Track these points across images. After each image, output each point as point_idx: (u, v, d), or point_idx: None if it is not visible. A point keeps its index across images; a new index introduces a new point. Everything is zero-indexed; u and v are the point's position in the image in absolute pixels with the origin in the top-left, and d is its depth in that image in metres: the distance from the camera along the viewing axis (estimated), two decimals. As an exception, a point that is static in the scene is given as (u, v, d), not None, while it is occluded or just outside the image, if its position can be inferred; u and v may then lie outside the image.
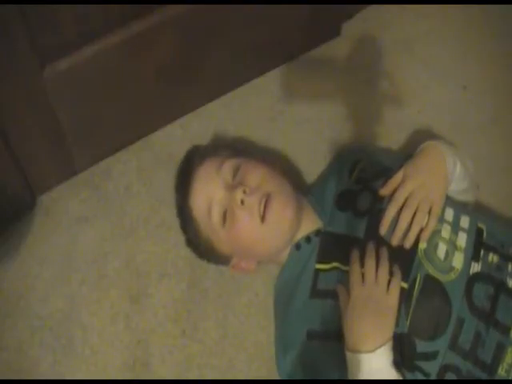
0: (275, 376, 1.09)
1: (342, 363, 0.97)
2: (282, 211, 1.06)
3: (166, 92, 1.26)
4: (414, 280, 1.00)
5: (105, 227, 1.28)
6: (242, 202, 1.04)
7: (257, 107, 1.38)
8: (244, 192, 1.04)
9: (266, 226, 1.05)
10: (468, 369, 0.98)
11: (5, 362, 1.17)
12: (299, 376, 1.04)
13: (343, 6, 1.39)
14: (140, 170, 1.33)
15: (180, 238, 1.21)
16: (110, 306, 1.22)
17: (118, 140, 1.32)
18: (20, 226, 1.27)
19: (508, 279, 1.02)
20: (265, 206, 1.04)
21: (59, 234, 1.27)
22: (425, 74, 1.43)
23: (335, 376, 1.00)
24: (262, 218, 1.04)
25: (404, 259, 1.02)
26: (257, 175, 1.07)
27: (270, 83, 1.40)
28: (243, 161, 1.10)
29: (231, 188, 1.06)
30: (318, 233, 1.11)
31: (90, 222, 1.28)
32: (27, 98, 1.05)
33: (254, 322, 1.21)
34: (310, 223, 1.12)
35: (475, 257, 1.03)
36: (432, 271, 1.01)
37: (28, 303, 1.22)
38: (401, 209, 1.03)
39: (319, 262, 1.08)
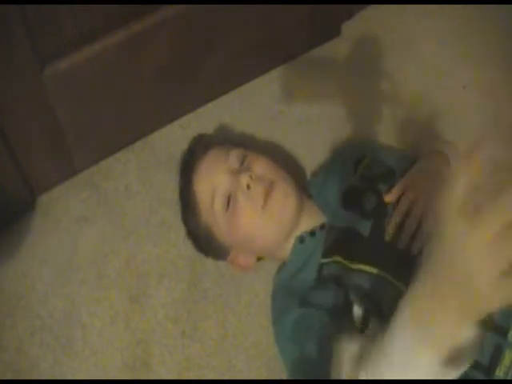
0: (275, 376, 1.09)
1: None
2: (284, 200, 1.07)
3: (166, 92, 1.26)
4: None
5: (105, 227, 1.28)
6: (248, 187, 1.05)
7: (257, 107, 1.38)
8: (250, 177, 1.06)
9: (266, 213, 1.06)
10: (465, 371, 0.97)
11: (5, 362, 1.17)
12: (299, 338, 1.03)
13: (343, 6, 1.39)
14: (140, 170, 1.32)
15: (180, 239, 1.21)
16: (110, 306, 1.22)
17: (118, 140, 1.32)
18: (20, 225, 1.27)
19: None
20: (267, 194, 1.06)
21: (59, 234, 1.27)
22: (425, 74, 1.43)
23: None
24: (264, 206, 1.05)
25: (411, 264, 1.01)
26: (262, 164, 1.10)
27: (270, 83, 1.40)
28: (249, 152, 1.13)
29: (237, 173, 1.07)
30: (322, 227, 1.11)
31: (89, 222, 1.28)
32: (27, 97, 1.05)
33: (254, 322, 1.21)
34: (313, 218, 1.12)
35: None
36: None
37: (28, 303, 1.22)
38: (406, 215, 1.04)
39: (322, 256, 1.08)
